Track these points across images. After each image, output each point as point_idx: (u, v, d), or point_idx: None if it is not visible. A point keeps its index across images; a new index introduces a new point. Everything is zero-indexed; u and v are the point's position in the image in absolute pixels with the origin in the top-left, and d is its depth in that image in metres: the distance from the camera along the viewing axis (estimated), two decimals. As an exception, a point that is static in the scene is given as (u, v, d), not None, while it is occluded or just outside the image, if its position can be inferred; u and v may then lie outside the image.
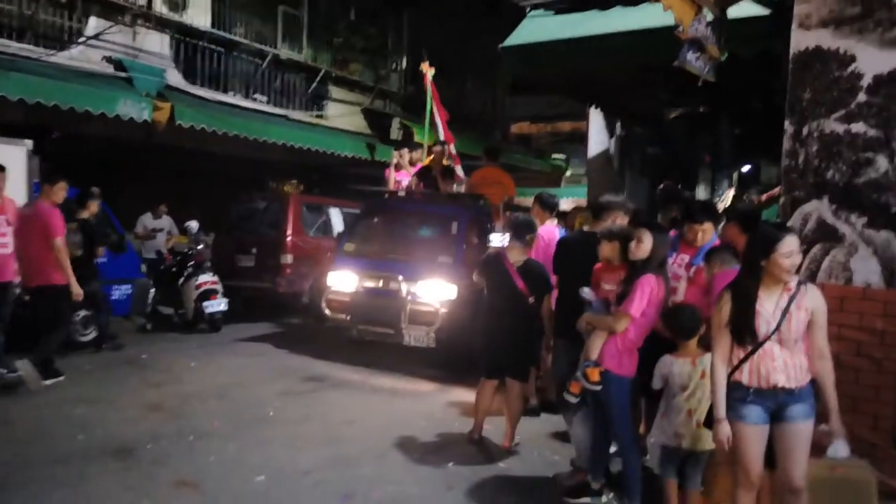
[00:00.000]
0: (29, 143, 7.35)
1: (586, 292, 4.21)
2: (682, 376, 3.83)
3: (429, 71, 9.74)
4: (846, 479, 4.22)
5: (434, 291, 7.39)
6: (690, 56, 5.23)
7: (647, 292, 3.90)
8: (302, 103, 14.58)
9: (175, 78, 11.88)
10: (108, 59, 11.00)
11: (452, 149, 9.36)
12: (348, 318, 7.73)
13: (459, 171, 9.23)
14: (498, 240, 6.17)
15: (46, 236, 6.30)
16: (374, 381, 7.20)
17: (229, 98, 12.90)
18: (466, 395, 6.69)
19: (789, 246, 3.21)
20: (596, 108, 9.67)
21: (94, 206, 7.77)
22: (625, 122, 11.62)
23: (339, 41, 15.43)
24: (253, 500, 4.19)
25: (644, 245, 3.97)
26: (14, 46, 9.95)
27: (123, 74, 10.89)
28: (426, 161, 9.47)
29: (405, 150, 9.49)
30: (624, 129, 11.75)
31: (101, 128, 10.30)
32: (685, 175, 11.02)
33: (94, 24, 10.92)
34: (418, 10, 16.83)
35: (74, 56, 10.63)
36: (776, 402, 3.28)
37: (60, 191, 6.60)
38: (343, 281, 7.88)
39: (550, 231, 6.14)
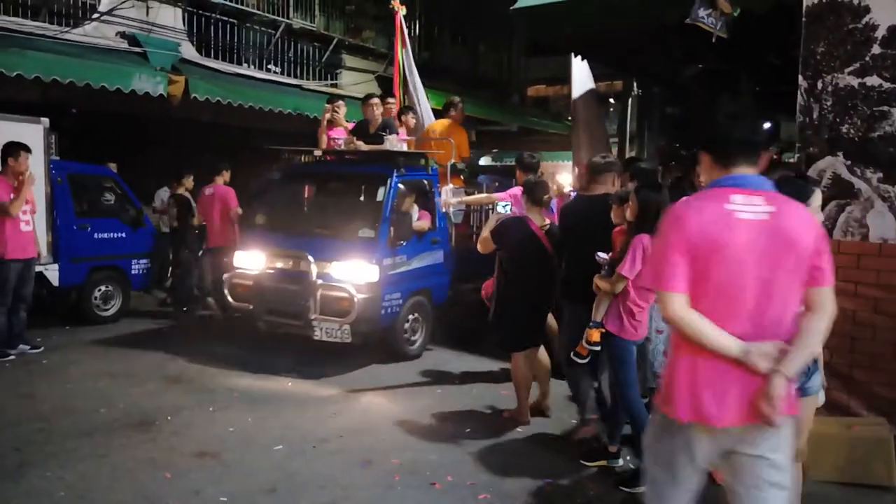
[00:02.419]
0: (46, 120, 7.41)
1: (601, 256, 4.20)
2: (657, 319, 3.88)
3: (400, 10, 8.91)
4: (863, 436, 4.22)
5: (350, 274, 6.26)
6: (702, 12, 5.10)
7: (639, 252, 3.87)
8: (315, 73, 14.51)
9: (189, 51, 11.87)
10: (122, 35, 11.00)
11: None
12: (251, 306, 6.62)
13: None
14: (505, 208, 5.64)
15: (226, 209, 8.20)
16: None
17: (243, 70, 12.87)
18: (480, 364, 6.76)
19: (819, 199, 3.10)
20: (582, 59, 8.66)
21: (188, 182, 9.11)
22: (641, 82, 11.43)
23: (351, 8, 15.27)
24: (272, 469, 4.28)
25: (632, 206, 3.96)
26: (29, 25, 9.99)
27: (138, 49, 10.91)
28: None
29: (340, 103, 8.10)
30: (640, 89, 11.56)
31: (117, 103, 10.35)
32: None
33: (107, 0, 10.90)
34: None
35: (89, 32, 10.65)
36: (805, 375, 3.00)
37: (227, 174, 8.61)
38: (249, 261, 6.75)
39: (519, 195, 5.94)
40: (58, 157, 7.83)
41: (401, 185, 6.70)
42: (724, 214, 2.21)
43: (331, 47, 14.45)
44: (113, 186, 8.58)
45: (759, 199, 2.23)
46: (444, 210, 7.18)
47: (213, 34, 12.62)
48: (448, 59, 17.86)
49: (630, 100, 12.32)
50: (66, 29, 10.36)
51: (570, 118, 21.63)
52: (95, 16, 10.75)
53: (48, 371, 6.15)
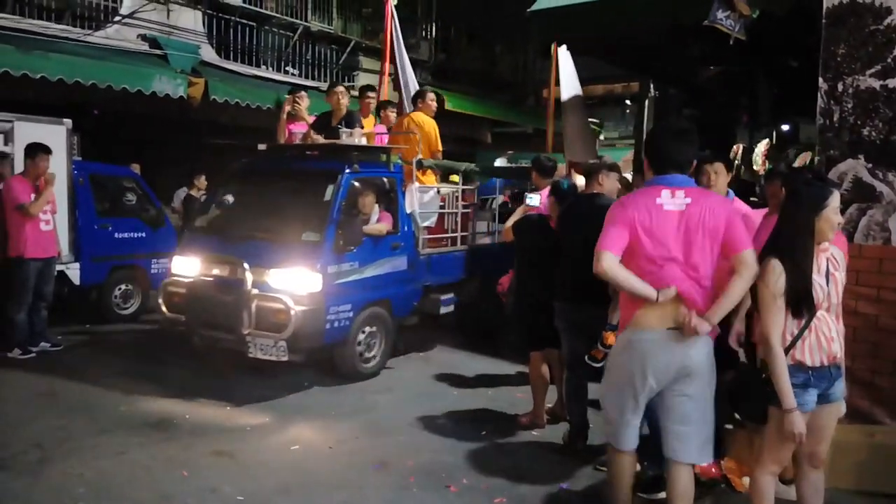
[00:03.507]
0: (68, 122, 7.50)
1: None
2: None
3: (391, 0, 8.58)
4: (885, 444, 4.17)
5: (288, 283, 5.60)
6: (720, 14, 5.08)
7: None
8: (333, 74, 14.58)
9: (209, 54, 11.99)
10: (144, 37, 11.16)
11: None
12: (184, 318, 5.98)
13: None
14: (533, 200, 5.36)
15: None
16: (415, 354, 7.22)
17: (261, 72, 12.98)
18: (496, 365, 6.76)
19: (838, 201, 3.06)
20: (567, 49, 8.69)
21: (201, 182, 9.40)
22: (658, 84, 11.37)
23: (368, 11, 15.33)
24: (288, 469, 4.30)
25: None
26: (53, 28, 10.15)
27: (158, 52, 11.05)
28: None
29: (302, 94, 7.58)
30: (657, 90, 11.50)
31: (138, 105, 10.47)
32: (724, 136, 10.79)
33: (128, 2, 11.05)
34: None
35: (111, 35, 10.80)
36: (829, 381, 3.04)
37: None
38: (185, 267, 6.13)
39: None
40: (80, 158, 7.93)
41: (354, 183, 6.13)
42: (654, 206, 3.04)
43: (348, 49, 14.52)
44: (134, 187, 8.67)
45: (681, 194, 3.05)
46: (408, 211, 6.62)
47: (232, 37, 12.73)
48: (464, 60, 17.90)
49: (647, 101, 12.26)
50: (89, 32, 10.51)
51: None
52: (117, 19, 10.90)
53: (69, 368, 6.22)
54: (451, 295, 7.18)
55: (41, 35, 9.69)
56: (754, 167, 10.37)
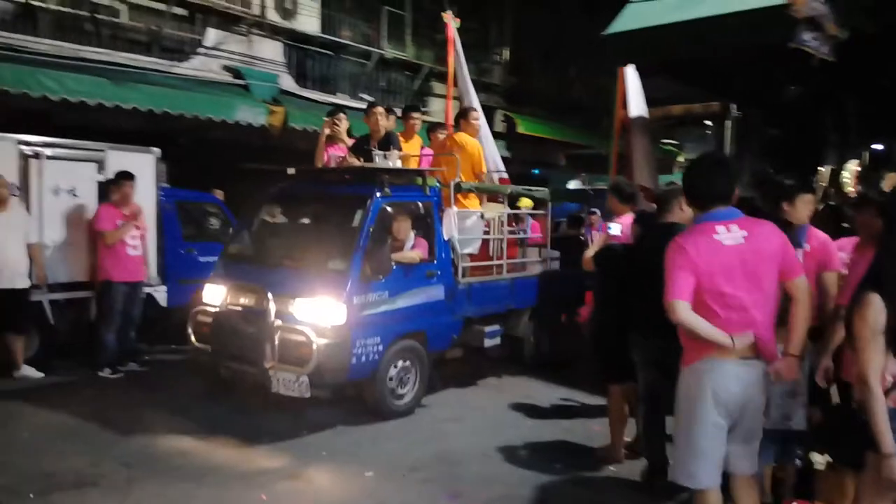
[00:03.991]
0: (157, 150, 7.84)
1: None
2: None
3: (452, 21, 8.28)
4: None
5: (311, 314, 5.33)
6: (807, 36, 4.93)
7: None
8: (406, 100, 14.80)
9: (287, 82, 12.37)
10: (227, 68, 11.61)
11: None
12: (210, 348, 5.72)
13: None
14: (615, 229, 5.20)
15: None
16: (484, 376, 7.22)
17: (337, 99, 13.29)
18: (573, 395, 6.64)
19: None
20: (641, 70, 8.51)
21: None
22: (740, 104, 11.06)
23: (441, 37, 15.51)
24: (362, 495, 4.33)
25: None
26: (143, 60, 10.68)
27: (240, 82, 11.47)
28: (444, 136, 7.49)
29: (341, 116, 7.09)
30: (739, 111, 11.18)
31: (221, 133, 10.88)
32: (810, 157, 10.38)
33: (212, 35, 11.53)
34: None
35: (196, 67, 11.27)
36: None
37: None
38: (213, 295, 5.92)
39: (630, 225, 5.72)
40: (167, 185, 8.28)
41: (386, 208, 5.83)
42: (713, 244, 3.03)
43: (421, 75, 14.72)
44: (217, 212, 8.98)
45: (735, 227, 3.06)
46: (446, 237, 6.26)
47: (309, 65, 13.10)
48: (536, 83, 17.88)
49: (728, 122, 11.94)
50: (176, 64, 11.01)
51: (664, 140, 21.29)
52: (202, 51, 11.37)
53: (155, 389, 6.45)
54: (496, 327, 6.87)
55: (132, 67, 10.20)
56: (845, 189, 9.91)
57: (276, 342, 5.29)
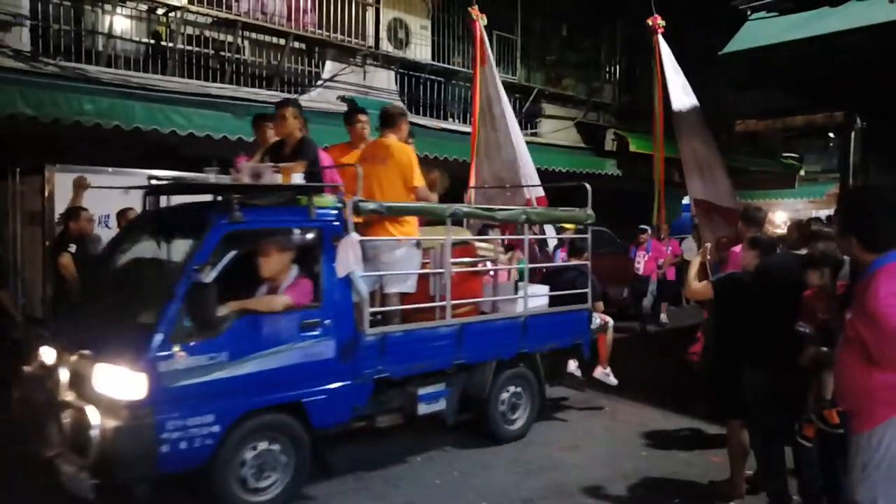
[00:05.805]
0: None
1: (803, 326, 3.89)
2: None
3: (479, 17, 7.61)
4: None
5: (105, 385, 4.06)
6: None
7: None
8: (517, 123, 14.89)
9: (400, 109, 12.73)
10: (342, 98, 12.07)
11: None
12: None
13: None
14: (690, 248, 5.01)
15: None
16: (597, 401, 7.11)
17: (448, 124, 13.53)
18: (690, 424, 6.43)
19: None
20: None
21: None
22: (865, 115, 10.48)
23: (551, 59, 15.55)
24: (476, 524, 4.36)
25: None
26: (264, 94, 11.28)
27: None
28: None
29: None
30: (864, 122, 10.59)
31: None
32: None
33: (329, 67, 12.04)
34: (630, 16, 16.46)
35: (313, 98, 11.79)
36: None
37: None
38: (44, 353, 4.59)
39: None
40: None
41: (238, 238, 4.45)
42: None
43: (531, 97, 14.77)
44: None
45: None
46: (341, 274, 4.71)
47: (421, 92, 13.42)
48: (649, 100, 17.49)
49: (853, 133, 11.30)
50: (295, 96, 11.55)
51: (785, 153, 20.30)
52: (319, 83, 11.89)
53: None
54: (439, 387, 5.42)
55: (253, 101, 10.79)
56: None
57: (64, 422, 4.07)
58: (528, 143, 14.01)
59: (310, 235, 4.76)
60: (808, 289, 4.05)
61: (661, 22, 8.02)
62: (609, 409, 7.01)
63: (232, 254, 4.43)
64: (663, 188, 8.33)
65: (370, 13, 12.27)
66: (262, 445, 4.42)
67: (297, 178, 4.66)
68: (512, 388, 5.98)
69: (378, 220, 5.12)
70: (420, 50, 13.17)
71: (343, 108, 11.94)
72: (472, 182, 8.00)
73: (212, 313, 4.13)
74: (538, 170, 13.35)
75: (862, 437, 2.82)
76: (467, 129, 13.61)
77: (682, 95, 8.01)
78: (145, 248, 5.09)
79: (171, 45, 9.95)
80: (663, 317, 12.57)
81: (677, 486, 5.02)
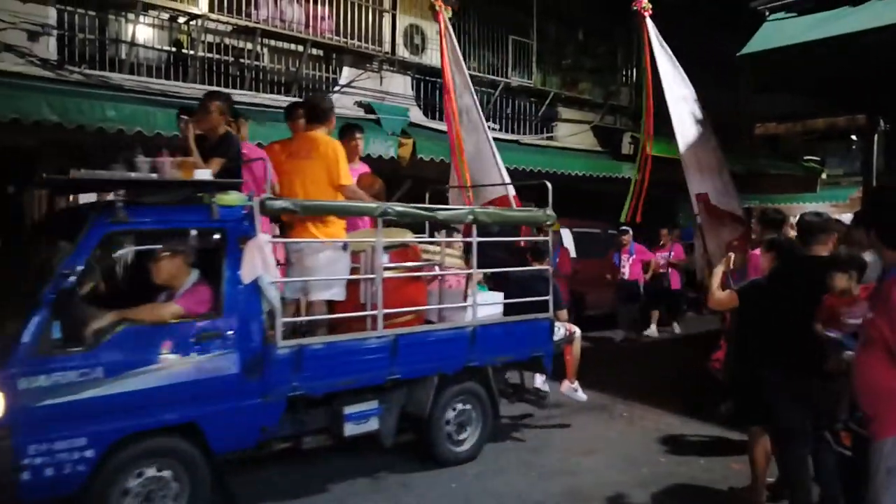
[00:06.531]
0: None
1: (832, 332, 3.84)
2: None
3: (444, 10, 7.38)
4: None
5: None
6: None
7: None
8: (532, 127, 14.86)
9: (416, 115, 12.77)
10: (359, 104, 12.14)
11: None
12: None
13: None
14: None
15: None
16: (614, 409, 7.08)
17: (464, 128, 13.56)
18: (709, 430, 6.36)
19: None
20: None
21: None
22: (888, 118, 10.35)
23: (567, 63, 15.53)
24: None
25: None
26: (282, 100, 11.35)
27: (373, 116, 11.95)
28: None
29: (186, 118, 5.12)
30: (888, 124, 10.46)
31: (354, 166, 11.38)
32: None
33: (346, 73, 12.11)
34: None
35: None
36: None
37: None
38: None
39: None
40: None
41: (117, 240, 4.21)
42: None
43: (547, 101, 14.75)
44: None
45: None
46: (246, 280, 4.28)
47: (437, 97, 13.45)
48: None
49: (876, 136, 11.17)
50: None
51: (807, 157, 20.07)
52: (337, 88, 11.96)
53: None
54: (370, 405, 4.94)
55: (272, 107, 10.88)
56: None
57: None
58: (544, 147, 14.19)
59: (210, 237, 4.37)
60: (828, 291, 4.00)
61: (646, 4, 7.65)
62: (627, 414, 6.97)
63: (118, 257, 4.13)
64: (647, 183, 7.82)
65: (387, 19, 12.34)
66: (150, 472, 3.98)
67: (203, 174, 4.32)
68: (459, 406, 5.46)
69: (300, 221, 4.80)
70: (436, 55, 13.09)
71: (360, 113, 12.03)
72: (452, 182, 7.71)
73: (80, 323, 3.76)
74: (555, 174, 13.40)
75: (886, 444, 2.76)
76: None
77: (674, 85, 7.67)
78: (33, 253, 4.68)
79: (192, 52, 10.05)
80: (675, 327, 12.28)
81: (696, 493, 4.98)
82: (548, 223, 6.05)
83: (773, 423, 4.38)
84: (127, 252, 4.79)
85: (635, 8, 7.70)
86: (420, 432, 5.34)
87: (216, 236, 4.40)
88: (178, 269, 4.25)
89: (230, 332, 4.21)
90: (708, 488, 5.06)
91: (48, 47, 8.60)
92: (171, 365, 3.99)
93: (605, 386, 7.63)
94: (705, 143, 7.54)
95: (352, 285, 5.05)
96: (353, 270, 5.09)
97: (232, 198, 4.37)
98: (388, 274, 4.99)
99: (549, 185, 6.07)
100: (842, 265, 3.96)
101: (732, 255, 5.38)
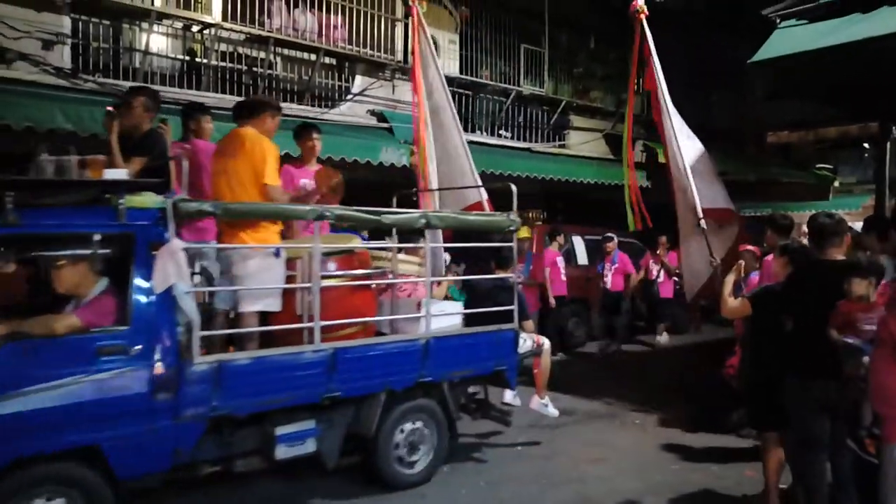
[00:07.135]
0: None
1: (849, 338, 3.83)
2: None
3: (418, 4, 7.21)
4: None
5: None
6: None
7: None
8: (544, 135, 14.88)
9: (428, 123, 12.82)
10: (372, 112, 12.22)
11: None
12: None
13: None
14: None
15: None
16: (626, 416, 7.06)
17: (476, 136, 13.59)
18: (721, 438, 6.34)
19: None
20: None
21: None
22: (898, 126, 10.32)
23: (579, 71, 15.56)
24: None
25: None
26: (295, 108, 11.44)
27: (385, 125, 12.02)
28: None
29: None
30: (900, 131, 10.41)
31: (365, 174, 11.41)
32: None
33: (359, 81, 12.19)
34: (658, 27, 16.40)
35: (344, 112, 11.94)
36: None
37: None
38: None
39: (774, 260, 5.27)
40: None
41: (3, 246, 3.92)
42: None
43: (559, 110, 14.78)
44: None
45: None
46: (158, 289, 3.95)
47: (449, 105, 13.51)
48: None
49: (888, 144, 11.11)
50: (325, 110, 11.71)
51: (819, 165, 19.98)
52: (349, 97, 12.04)
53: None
54: (306, 425, 4.53)
55: (286, 115, 10.96)
56: None
57: None
58: (556, 155, 14.21)
59: (119, 242, 4.00)
60: (845, 296, 3.98)
61: (642, 5, 7.70)
62: (639, 422, 6.94)
63: (10, 263, 3.84)
64: (636, 189, 7.97)
65: (399, 28, 12.42)
66: (38, 503, 3.61)
67: (116, 174, 4.06)
68: (410, 425, 5.06)
69: (228, 225, 4.50)
70: (448, 64, 13.25)
71: (373, 121, 12.10)
72: (422, 184, 7.44)
73: None
74: (567, 182, 13.43)
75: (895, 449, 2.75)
76: (495, 141, 13.69)
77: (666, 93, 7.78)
78: None
79: (205, 61, 10.15)
80: (665, 337, 11.72)
81: (709, 500, 4.97)
82: (511, 228, 5.62)
83: (790, 429, 4.37)
84: (26, 259, 4.35)
85: (634, 9, 7.86)
86: (366, 453, 4.96)
87: (124, 241, 3.99)
88: (81, 277, 3.90)
89: (137, 347, 3.85)
90: (721, 495, 5.04)
91: (62, 56, 8.70)
92: (68, 383, 3.62)
93: (616, 394, 7.63)
94: (695, 148, 7.73)
95: (289, 295, 4.61)
96: (291, 279, 4.65)
97: (143, 199, 3.99)
98: (327, 283, 4.61)
99: (514, 187, 5.69)
100: (862, 271, 3.94)
101: (743, 263, 5.38)
